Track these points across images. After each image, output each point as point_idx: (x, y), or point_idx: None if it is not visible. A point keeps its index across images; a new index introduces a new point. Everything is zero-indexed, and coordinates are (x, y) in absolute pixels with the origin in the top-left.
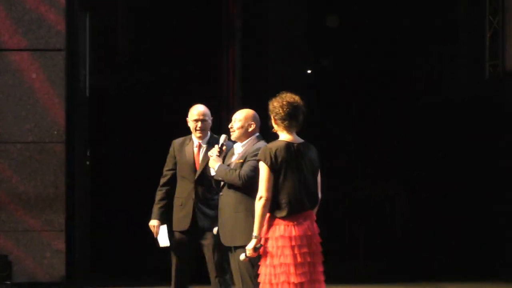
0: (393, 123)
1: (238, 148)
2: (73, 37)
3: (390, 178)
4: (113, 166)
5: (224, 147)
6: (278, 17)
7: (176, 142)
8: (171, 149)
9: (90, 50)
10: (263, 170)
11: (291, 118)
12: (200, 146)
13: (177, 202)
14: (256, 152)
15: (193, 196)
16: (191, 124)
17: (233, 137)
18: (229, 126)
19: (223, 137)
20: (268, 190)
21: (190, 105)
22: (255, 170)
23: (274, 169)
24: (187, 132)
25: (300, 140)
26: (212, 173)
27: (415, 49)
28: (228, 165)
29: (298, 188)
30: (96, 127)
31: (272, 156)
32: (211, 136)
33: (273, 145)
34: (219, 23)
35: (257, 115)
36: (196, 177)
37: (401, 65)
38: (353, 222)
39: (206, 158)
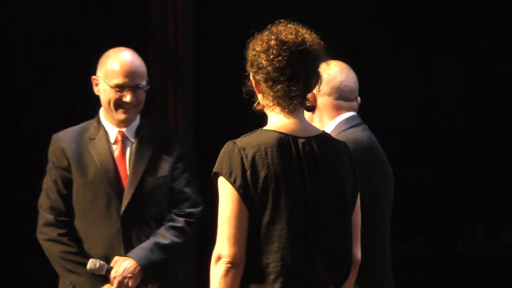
0: None
1: None
2: None
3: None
4: None
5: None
6: None
7: (63, 137)
8: (52, 154)
9: None
10: (226, 195)
11: (293, 79)
12: (124, 141)
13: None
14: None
15: (122, 249)
16: (105, 95)
17: None
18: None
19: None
20: (235, 241)
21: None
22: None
23: (248, 195)
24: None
25: (313, 129)
26: None
27: None
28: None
29: (305, 239)
30: None
31: (247, 165)
32: (141, 121)
33: (250, 140)
34: None
35: (345, 72)
36: (124, 208)
37: None
38: None
39: (141, 163)
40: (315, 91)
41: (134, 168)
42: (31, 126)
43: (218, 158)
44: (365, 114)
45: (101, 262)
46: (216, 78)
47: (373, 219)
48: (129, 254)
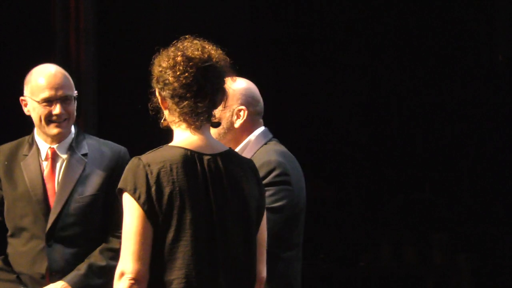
0: None
1: None
2: None
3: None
4: None
5: None
6: None
7: (1, 151)
8: None
9: None
10: (130, 212)
11: (199, 95)
12: (54, 158)
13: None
14: (270, 169)
15: (45, 268)
16: (35, 112)
17: None
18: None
19: None
20: (139, 258)
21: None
22: (279, 213)
23: (153, 211)
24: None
25: (219, 146)
26: None
27: None
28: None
29: (209, 256)
30: None
31: (151, 181)
32: (78, 135)
33: (156, 156)
34: None
35: (252, 90)
36: (49, 226)
37: None
38: None
39: (69, 181)
40: (221, 107)
41: (62, 186)
42: None
43: (123, 175)
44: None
45: None
46: (117, 91)
47: (297, 225)
48: (64, 278)
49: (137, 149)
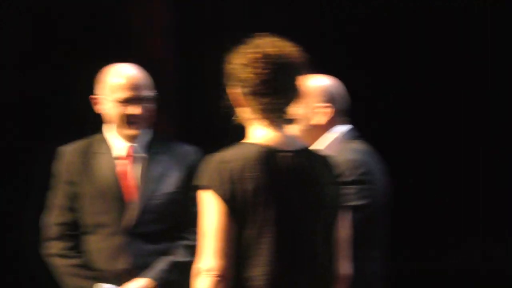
0: None
1: None
2: None
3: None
4: None
5: None
6: None
7: (70, 151)
8: (58, 168)
9: None
10: (212, 209)
11: (276, 92)
12: (130, 156)
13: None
14: (347, 167)
15: (125, 264)
16: (110, 111)
17: None
18: None
19: None
20: (224, 254)
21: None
22: (356, 212)
23: (234, 208)
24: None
25: (296, 143)
26: None
27: None
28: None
29: (290, 253)
30: None
31: (232, 178)
32: (153, 134)
33: (234, 153)
34: None
35: (333, 87)
36: (127, 223)
37: None
38: None
39: (148, 179)
40: (299, 104)
41: (140, 184)
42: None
43: (200, 172)
44: None
45: (106, 286)
46: (197, 89)
47: (375, 224)
48: (147, 274)
49: (217, 146)
